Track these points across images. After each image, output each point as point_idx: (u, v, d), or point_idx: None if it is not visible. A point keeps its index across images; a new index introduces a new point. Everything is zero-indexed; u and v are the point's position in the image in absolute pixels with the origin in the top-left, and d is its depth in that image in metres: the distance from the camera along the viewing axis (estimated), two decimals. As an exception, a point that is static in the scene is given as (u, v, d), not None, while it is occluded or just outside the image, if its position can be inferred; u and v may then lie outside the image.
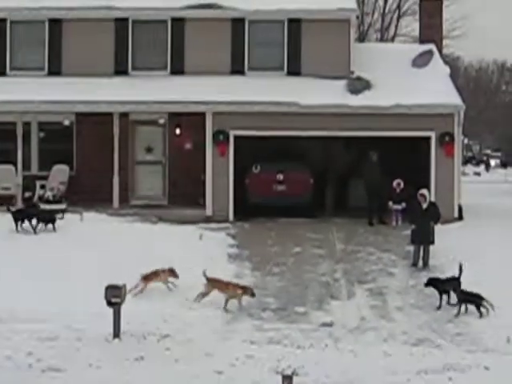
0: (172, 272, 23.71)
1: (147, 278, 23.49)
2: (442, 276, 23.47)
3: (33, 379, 17.97)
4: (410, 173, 31.36)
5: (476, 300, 22.05)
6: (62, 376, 18.16)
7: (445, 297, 22.62)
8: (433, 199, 28.57)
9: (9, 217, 28.67)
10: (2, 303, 22.27)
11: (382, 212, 31.50)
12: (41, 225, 28.47)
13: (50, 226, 28.49)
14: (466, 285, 23.43)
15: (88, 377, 18.10)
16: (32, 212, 29.03)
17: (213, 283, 22.98)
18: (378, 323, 21.79)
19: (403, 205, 30.34)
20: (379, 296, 23.16)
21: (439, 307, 22.36)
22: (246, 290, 22.97)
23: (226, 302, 22.72)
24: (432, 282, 22.91)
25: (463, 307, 22.06)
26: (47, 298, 22.61)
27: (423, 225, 26.70)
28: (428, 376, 18.45)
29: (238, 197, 31.78)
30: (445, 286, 22.61)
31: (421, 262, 26.47)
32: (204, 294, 22.93)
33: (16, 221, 28.22)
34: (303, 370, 18.11)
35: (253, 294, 23.00)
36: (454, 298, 22.46)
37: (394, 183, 31.10)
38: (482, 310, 21.92)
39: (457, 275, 22.76)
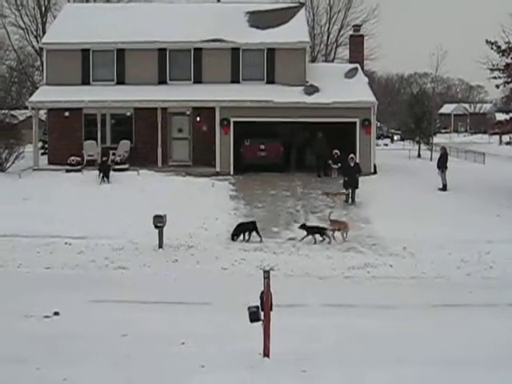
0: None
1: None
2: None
3: (108, 273, 17.98)
4: (344, 144, 31.19)
5: (320, 231, 21.41)
6: (127, 272, 18.17)
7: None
8: (357, 161, 28.43)
9: (92, 173, 28.55)
10: (89, 226, 22.26)
11: (326, 169, 31.36)
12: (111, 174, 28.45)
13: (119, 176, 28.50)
14: (378, 211, 23.45)
15: (143, 272, 18.11)
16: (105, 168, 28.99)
17: (334, 223, 21.83)
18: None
19: (339, 164, 30.18)
20: (325, 221, 23.10)
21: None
22: (347, 225, 21.85)
23: (333, 233, 21.43)
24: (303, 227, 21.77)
25: (312, 237, 21.23)
26: (117, 222, 22.56)
27: (351, 176, 26.74)
28: (355, 270, 18.52)
29: (236, 159, 31.63)
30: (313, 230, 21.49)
31: (350, 200, 26.48)
32: (333, 232, 21.51)
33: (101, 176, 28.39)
34: (277, 267, 18.14)
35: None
36: None
37: (333, 152, 30.91)
38: (325, 237, 21.21)
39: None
